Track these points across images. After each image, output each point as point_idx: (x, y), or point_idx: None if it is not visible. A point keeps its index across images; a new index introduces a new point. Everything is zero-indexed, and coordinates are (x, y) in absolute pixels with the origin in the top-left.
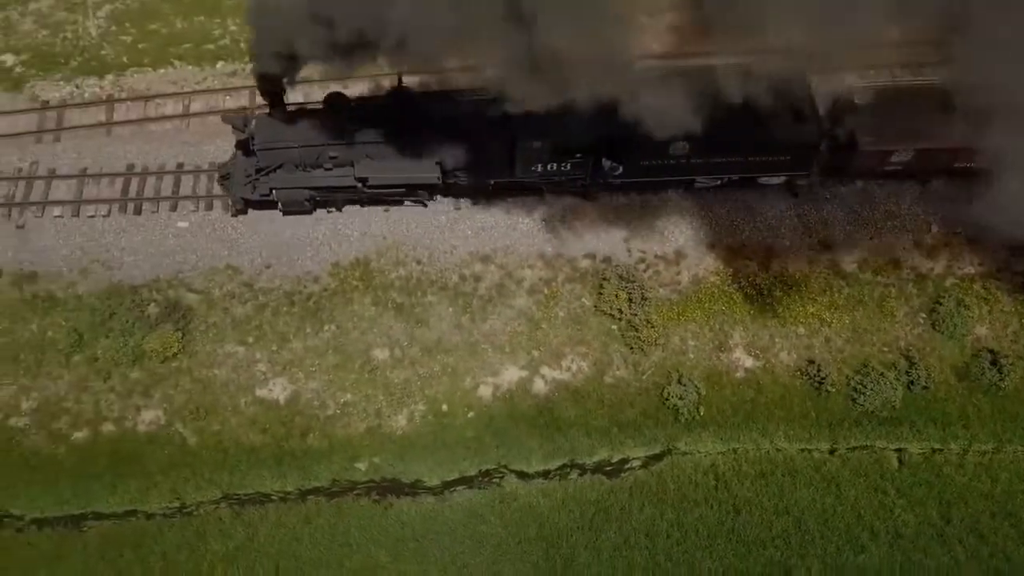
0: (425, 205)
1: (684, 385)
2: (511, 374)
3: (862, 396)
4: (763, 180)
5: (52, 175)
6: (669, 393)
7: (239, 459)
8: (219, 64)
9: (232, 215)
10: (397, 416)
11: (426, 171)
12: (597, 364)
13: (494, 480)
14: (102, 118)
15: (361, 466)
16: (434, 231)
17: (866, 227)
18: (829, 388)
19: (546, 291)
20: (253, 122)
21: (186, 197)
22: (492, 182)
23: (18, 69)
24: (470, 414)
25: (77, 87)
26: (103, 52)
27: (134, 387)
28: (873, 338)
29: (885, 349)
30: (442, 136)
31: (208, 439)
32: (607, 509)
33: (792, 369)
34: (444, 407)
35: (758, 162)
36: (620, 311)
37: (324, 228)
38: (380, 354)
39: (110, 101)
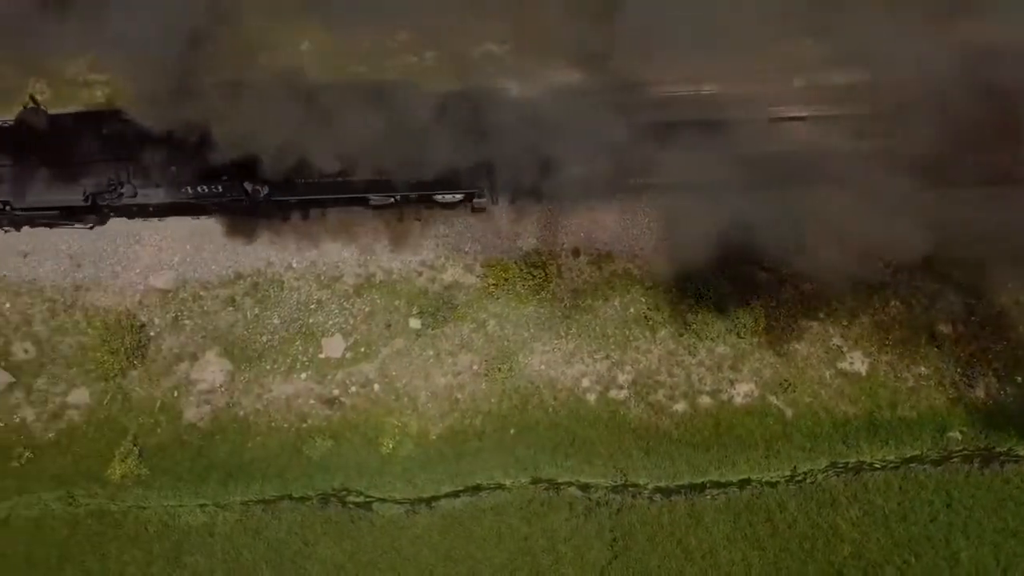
0: (103, 223)
1: None
2: None
3: None
4: (439, 198)
5: None
6: None
7: (835, 429)
8: None
9: None
10: (976, 388)
11: (71, 194)
12: None
13: None
14: None
15: (956, 435)
16: None
17: None
18: None
19: None
20: None
21: None
22: (152, 205)
23: None
24: None
25: None
26: None
27: (722, 361)
28: None
29: None
30: (87, 157)
31: (803, 410)
32: None
33: None
34: (1018, 379)
35: (431, 180)
36: None
37: None
38: (944, 329)
39: None
